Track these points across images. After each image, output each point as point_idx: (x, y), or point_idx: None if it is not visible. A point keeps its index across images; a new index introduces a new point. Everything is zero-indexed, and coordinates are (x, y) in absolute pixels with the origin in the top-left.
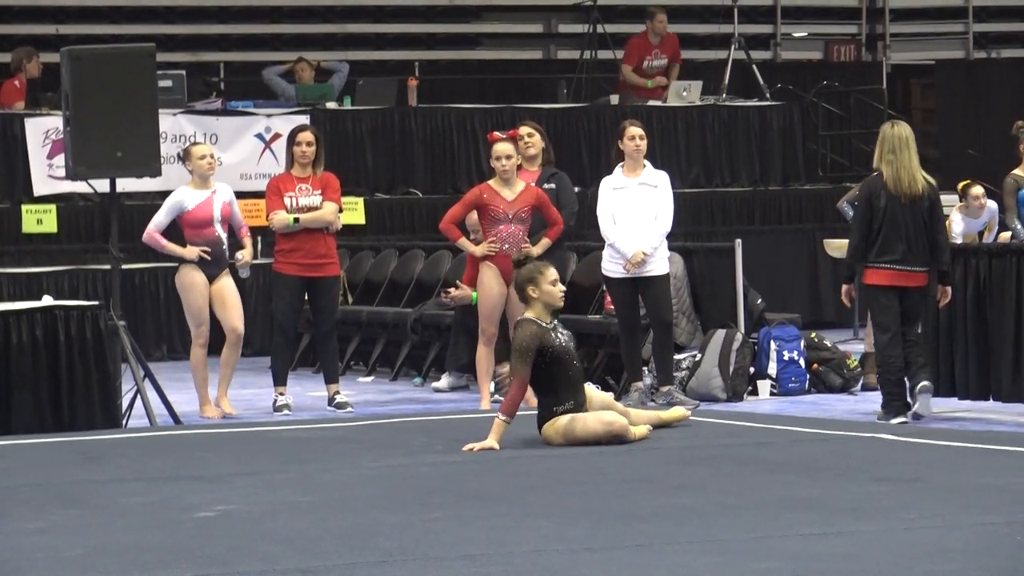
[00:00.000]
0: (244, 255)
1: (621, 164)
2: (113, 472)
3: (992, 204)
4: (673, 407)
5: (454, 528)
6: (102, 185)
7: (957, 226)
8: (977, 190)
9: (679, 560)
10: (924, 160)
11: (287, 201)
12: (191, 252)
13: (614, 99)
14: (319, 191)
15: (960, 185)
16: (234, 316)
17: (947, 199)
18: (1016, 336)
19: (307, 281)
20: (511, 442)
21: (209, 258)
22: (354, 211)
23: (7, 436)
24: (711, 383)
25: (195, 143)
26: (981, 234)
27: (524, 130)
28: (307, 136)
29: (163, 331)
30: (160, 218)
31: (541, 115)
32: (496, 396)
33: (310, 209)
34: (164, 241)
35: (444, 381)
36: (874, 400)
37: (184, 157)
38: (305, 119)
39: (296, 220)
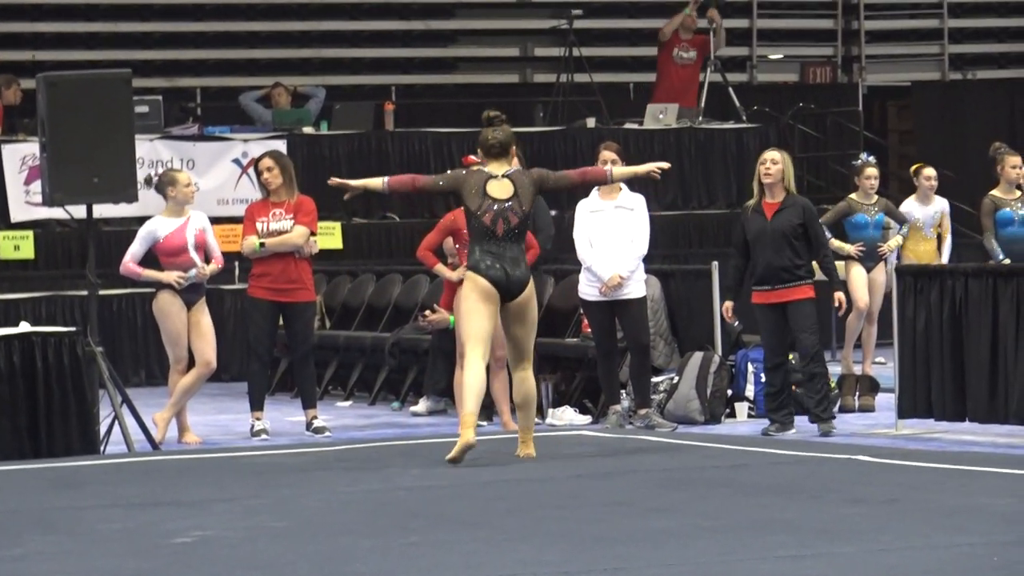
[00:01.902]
0: (203, 269)
1: (597, 187)
2: (91, 498)
3: (943, 201)
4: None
5: (431, 552)
6: (79, 211)
7: (910, 215)
8: (929, 171)
9: None
10: (901, 181)
11: (258, 226)
12: (169, 276)
13: (591, 122)
14: (291, 216)
15: (912, 168)
16: (208, 348)
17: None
18: (992, 357)
19: (279, 306)
20: (488, 465)
21: (185, 283)
22: (331, 236)
23: None
24: (689, 405)
25: (175, 170)
26: (940, 241)
27: None
28: (266, 163)
29: (141, 357)
30: (135, 248)
31: (518, 138)
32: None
33: (280, 234)
34: (140, 269)
35: (422, 405)
36: (851, 422)
37: (162, 184)
38: (282, 144)
39: (262, 245)
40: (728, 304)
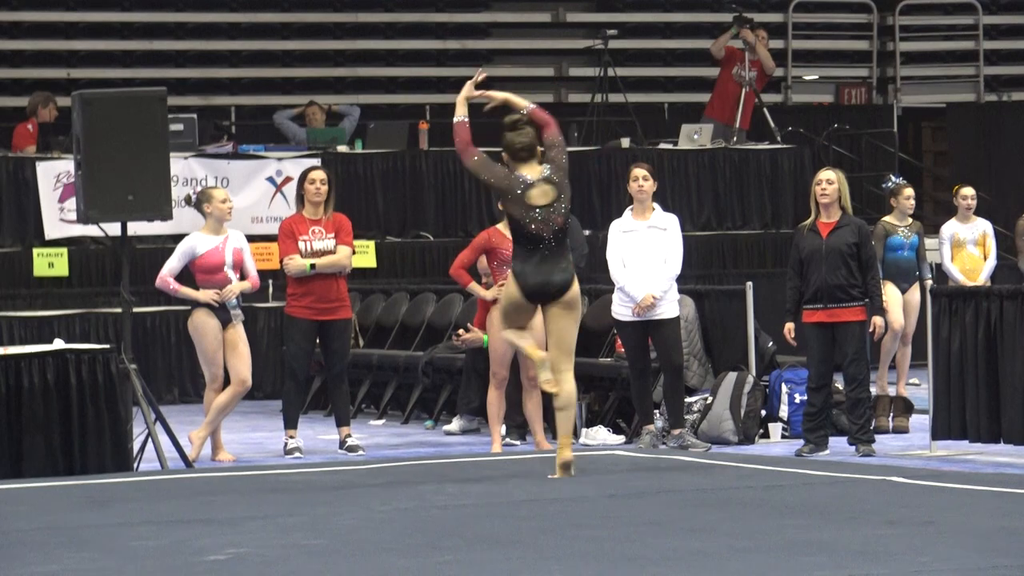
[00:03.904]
0: (234, 287)
1: (630, 207)
2: (124, 515)
3: (985, 221)
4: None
5: (465, 571)
6: (113, 228)
7: (948, 230)
8: (967, 190)
9: None
10: (936, 203)
11: (301, 245)
12: (205, 295)
13: (625, 142)
14: (332, 234)
15: (954, 189)
16: (243, 366)
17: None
18: None
19: (319, 324)
20: (522, 484)
21: (221, 302)
22: (365, 254)
23: (19, 480)
24: (722, 426)
25: (213, 188)
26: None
27: None
28: (320, 174)
29: (174, 374)
30: (173, 263)
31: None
32: (507, 440)
33: (324, 252)
34: (176, 285)
35: (455, 424)
36: (886, 443)
37: (199, 201)
38: (316, 162)
39: (312, 267)
40: (789, 325)
